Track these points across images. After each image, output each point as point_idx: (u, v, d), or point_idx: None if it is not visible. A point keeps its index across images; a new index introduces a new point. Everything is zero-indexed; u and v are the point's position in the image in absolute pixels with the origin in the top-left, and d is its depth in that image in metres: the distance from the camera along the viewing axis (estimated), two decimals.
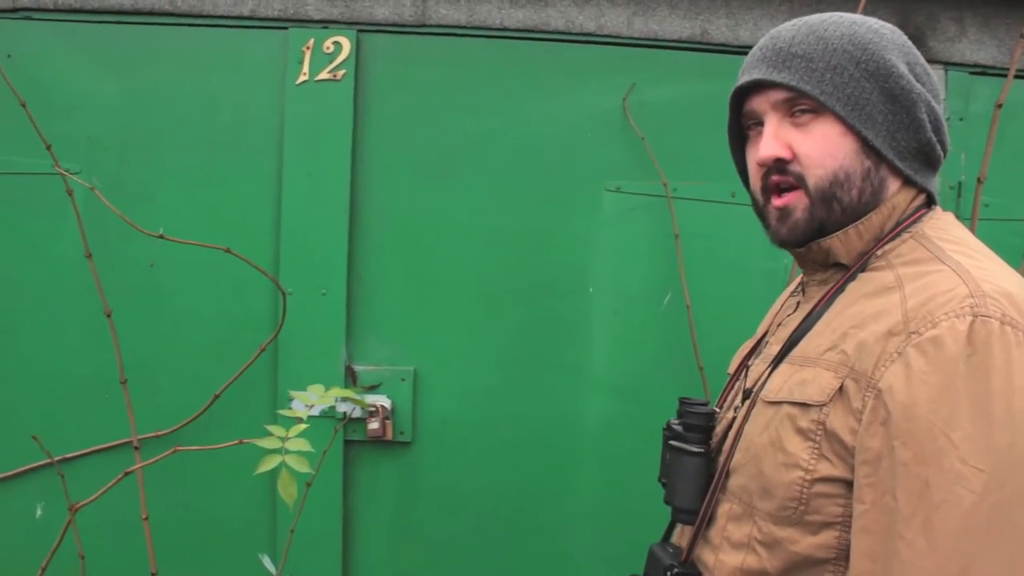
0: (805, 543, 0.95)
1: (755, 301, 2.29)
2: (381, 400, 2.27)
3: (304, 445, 1.58)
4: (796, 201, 1.03)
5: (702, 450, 1.10)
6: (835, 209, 1.02)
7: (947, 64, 2.40)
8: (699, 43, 2.35)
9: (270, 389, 2.29)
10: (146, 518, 2.00)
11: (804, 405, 0.96)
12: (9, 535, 2.28)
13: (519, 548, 2.36)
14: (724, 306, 2.33)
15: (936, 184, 1.08)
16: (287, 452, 1.57)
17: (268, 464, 1.56)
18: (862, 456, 0.89)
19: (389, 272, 2.32)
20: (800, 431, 0.95)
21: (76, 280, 2.23)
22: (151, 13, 2.26)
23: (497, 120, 2.33)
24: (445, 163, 2.32)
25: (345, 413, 2.26)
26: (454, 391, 2.33)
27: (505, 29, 2.31)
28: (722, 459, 1.08)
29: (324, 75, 2.26)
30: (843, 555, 0.94)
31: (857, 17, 1.05)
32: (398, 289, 2.32)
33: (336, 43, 2.25)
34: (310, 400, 1.66)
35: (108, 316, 2.06)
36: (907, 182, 1.05)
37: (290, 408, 1.91)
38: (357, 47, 2.27)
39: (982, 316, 0.86)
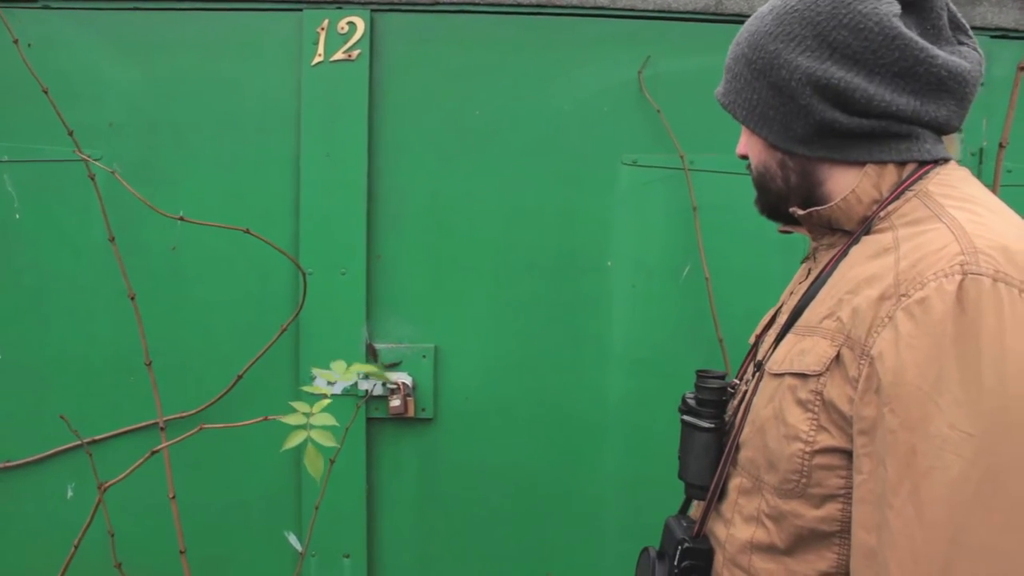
0: (810, 516, 0.95)
1: (774, 272, 2.30)
2: (402, 377, 2.29)
3: (329, 419, 1.59)
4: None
5: (713, 425, 1.11)
6: (772, 193, 1.09)
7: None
8: (713, 14, 2.33)
9: (292, 369, 2.31)
10: (173, 497, 2.03)
11: (803, 375, 0.95)
12: (42, 516, 2.33)
13: (542, 523, 2.37)
14: (743, 278, 2.32)
15: (916, 147, 1.00)
16: (312, 427, 1.58)
17: (294, 440, 1.57)
18: (859, 426, 0.88)
19: (408, 250, 2.33)
20: (800, 402, 0.94)
21: (100, 264, 2.26)
22: None
23: (512, 96, 2.32)
24: (461, 140, 2.33)
25: (367, 391, 2.28)
26: (475, 367, 2.34)
27: (519, 5, 2.31)
28: (733, 433, 1.08)
29: (339, 55, 2.27)
30: (848, 528, 0.93)
31: (775, 3, 1.03)
32: (417, 267, 2.33)
33: (350, 23, 2.26)
34: (332, 377, 1.67)
35: (132, 299, 2.08)
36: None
37: (312, 385, 1.93)
38: (371, 27, 2.28)
39: (972, 274, 0.83)
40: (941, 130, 1.01)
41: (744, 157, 1.13)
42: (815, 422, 0.92)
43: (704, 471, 1.09)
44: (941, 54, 0.96)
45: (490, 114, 2.32)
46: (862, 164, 1.01)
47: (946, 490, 0.80)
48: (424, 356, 2.31)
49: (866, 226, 1.00)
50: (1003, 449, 0.79)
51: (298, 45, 2.28)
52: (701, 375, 1.16)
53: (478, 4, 2.30)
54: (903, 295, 0.86)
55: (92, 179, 2.05)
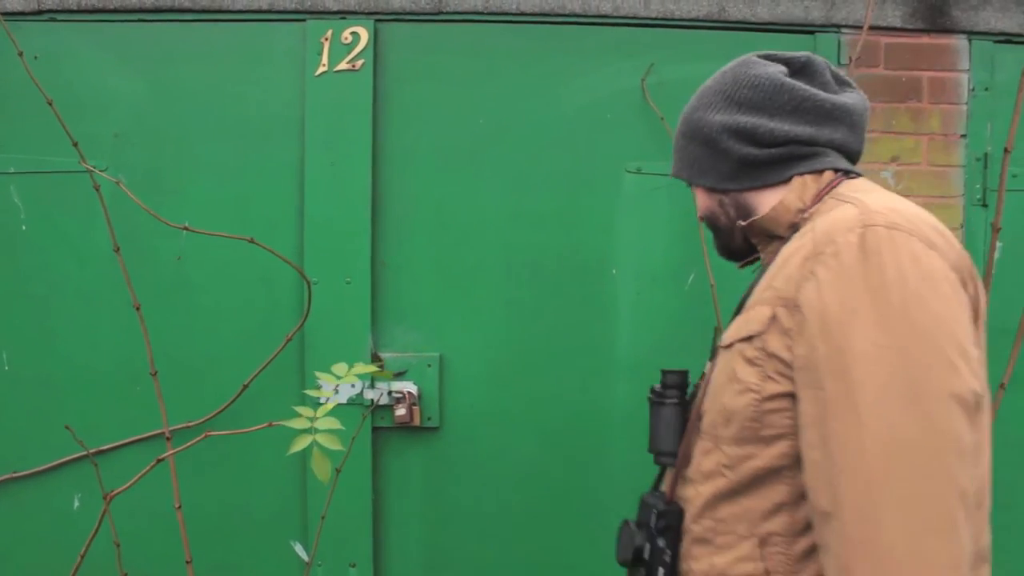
0: (764, 455, 1.10)
1: None
2: (408, 386, 2.29)
3: (333, 423, 1.59)
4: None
5: (676, 400, 1.32)
6: (722, 231, 1.32)
7: (970, 33, 2.36)
8: (716, 21, 2.33)
9: (298, 378, 2.31)
10: (179, 507, 2.03)
11: (749, 338, 1.12)
12: (48, 526, 2.33)
13: (550, 531, 2.37)
14: (748, 285, 2.31)
15: (821, 161, 1.21)
16: (317, 431, 1.58)
17: (300, 444, 1.57)
18: (797, 364, 1.04)
19: (412, 259, 2.34)
20: (748, 360, 1.11)
21: (106, 274, 2.27)
22: (171, 10, 2.29)
23: (516, 105, 2.33)
24: (466, 149, 2.33)
25: (373, 400, 2.28)
26: (480, 376, 2.34)
27: (522, 14, 2.31)
28: (696, 405, 1.25)
29: (343, 65, 2.27)
30: (796, 462, 1.07)
31: (708, 81, 1.29)
32: (422, 275, 2.34)
33: (354, 33, 2.27)
34: (335, 380, 1.67)
35: (137, 309, 2.09)
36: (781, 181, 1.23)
37: (318, 390, 1.93)
38: (375, 36, 2.29)
39: (870, 226, 1.03)
40: (843, 151, 1.23)
41: (704, 219, 1.35)
42: (763, 373, 1.09)
43: (672, 439, 1.30)
44: (822, 93, 1.21)
45: (494, 122, 2.33)
46: (781, 184, 1.22)
47: (877, 394, 0.96)
48: (429, 365, 2.31)
49: (794, 228, 1.19)
50: (916, 352, 0.96)
51: (302, 55, 2.29)
52: (665, 371, 1.36)
53: (481, 13, 2.31)
54: (819, 253, 1.05)
55: (97, 190, 2.05)
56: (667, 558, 1.22)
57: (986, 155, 2.38)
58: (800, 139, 1.21)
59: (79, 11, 2.28)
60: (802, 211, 1.19)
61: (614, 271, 2.34)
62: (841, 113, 1.21)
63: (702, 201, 1.32)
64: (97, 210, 2.15)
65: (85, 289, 2.31)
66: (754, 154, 1.22)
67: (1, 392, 2.32)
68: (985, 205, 2.40)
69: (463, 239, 2.34)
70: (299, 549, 2.35)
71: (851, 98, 1.23)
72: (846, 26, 2.36)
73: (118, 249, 2.08)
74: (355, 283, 2.29)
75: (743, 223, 1.27)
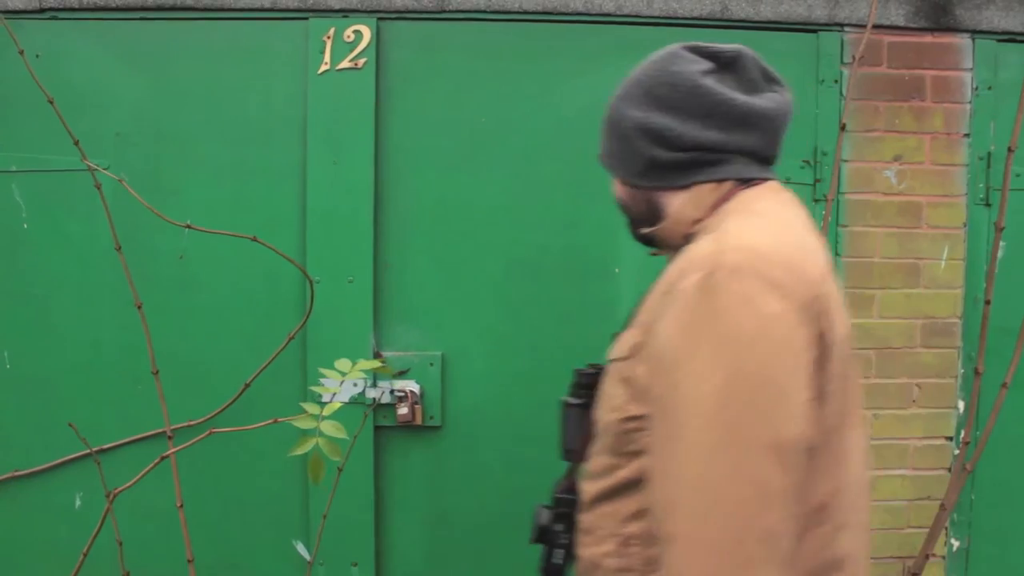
0: (627, 468, 1.17)
1: None
2: (410, 385, 2.28)
3: (337, 430, 1.59)
4: None
5: (581, 401, 1.39)
6: (633, 221, 1.33)
7: (974, 32, 2.36)
8: (719, 20, 2.33)
9: (300, 377, 2.31)
10: (181, 506, 2.03)
11: (621, 359, 1.18)
12: (50, 525, 2.33)
13: None
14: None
15: (727, 169, 1.19)
16: (322, 434, 1.58)
17: (304, 446, 1.57)
18: (651, 394, 1.09)
19: (415, 258, 2.33)
20: (619, 380, 1.18)
21: (108, 273, 2.26)
22: (173, 9, 2.28)
23: (519, 104, 2.33)
24: (468, 148, 2.33)
25: (374, 399, 2.28)
26: (482, 375, 2.34)
27: (525, 12, 2.31)
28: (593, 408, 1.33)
29: (345, 64, 2.27)
30: None
31: (637, 68, 1.26)
32: (424, 274, 2.34)
33: (356, 31, 2.27)
34: (339, 375, 1.68)
35: (139, 308, 2.08)
36: (681, 186, 1.23)
37: (321, 386, 1.93)
38: (377, 35, 2.28)
39: (717, 267, 1.03)
40: (758, 156, 1.21)
41: (618, 205, 1.37)
42: (627, 395, 1.14)
43: (574, 438, 1.39)
44: (740, 97, 1.17)
45: (496, 121, 2.33)
46: (684, 188, 1.22)
47: (694, 437, 1.00)
48: (431, 364, 2.31)
49: (688, 239, 1.19)
50: (735, 399, 0.98)
51: (304, 54, 2.28)
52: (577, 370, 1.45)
53: (484, 11, 2.30)
54: (671, 290, 1.08)
55: (99, 188, 2.05)
56: (563, 540, 1.37)
57: (989, 154, 2.38)
58: (706, 146, 1.19)
59: (81, 9, 2.28)
60: (697, 221, 1.20)
61: (617, 270, 2.34)
62: (756, 118, 1.18)
63: (618, 189, 1.34)
64: (99, 209, 2.14)
65: (86, 287, 2.31)
66: (661, 156, 1.21)
67: (2, 391, 2.32)
68: (988, 204, 2.39)
69: (465, 238, 2.34)
70: (301, 548, 2.35)
71: (772, 100, 1.20)
72: (849, 25, 2.36)
73: (119, 248, 2.07)
74: (358, 282, 2.29)
75: (645, 231, 1.29)
